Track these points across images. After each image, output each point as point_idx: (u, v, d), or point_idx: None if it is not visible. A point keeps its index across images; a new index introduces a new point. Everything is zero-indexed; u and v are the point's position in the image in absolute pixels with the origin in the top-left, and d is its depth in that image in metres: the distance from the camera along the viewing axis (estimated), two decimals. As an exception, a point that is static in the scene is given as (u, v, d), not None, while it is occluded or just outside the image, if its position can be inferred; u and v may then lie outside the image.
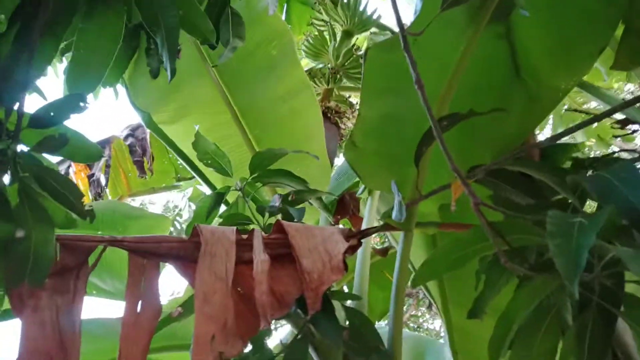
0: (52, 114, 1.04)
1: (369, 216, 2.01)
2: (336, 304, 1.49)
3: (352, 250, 1.40)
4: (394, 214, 1.26)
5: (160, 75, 2.07)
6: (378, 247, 2.61)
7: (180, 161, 2.30)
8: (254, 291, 1.05)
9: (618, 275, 0.76)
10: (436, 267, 0.85)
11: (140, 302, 1.12)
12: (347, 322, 1.44)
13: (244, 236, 1.24)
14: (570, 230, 0.56)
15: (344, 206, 2.88)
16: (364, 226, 2.01)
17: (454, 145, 1.80)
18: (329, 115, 2.75)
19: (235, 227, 1.20)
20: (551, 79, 1.65)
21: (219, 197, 1.60)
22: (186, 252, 1.14)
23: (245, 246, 1.19)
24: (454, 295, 2.00)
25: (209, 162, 1.60)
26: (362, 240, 1.94)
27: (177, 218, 4.88)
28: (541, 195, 1.15)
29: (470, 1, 0.84)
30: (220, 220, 1.60)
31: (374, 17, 3.01)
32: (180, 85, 2.35)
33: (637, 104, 2.03)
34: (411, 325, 5.88)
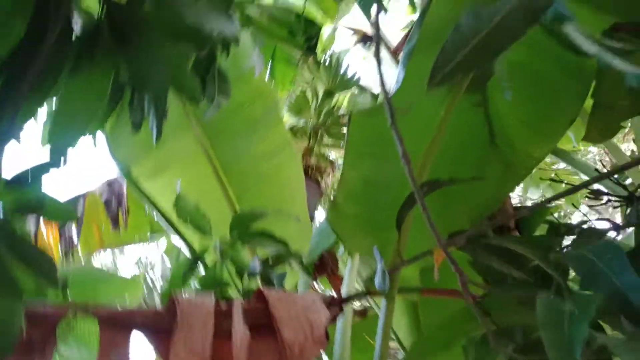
0: (30, 175, 1.02)
1: (349, 277, 1.98)
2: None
3: (333, 318, 1.36)
4: (376, 282, 1.24)
5: (144, 128, 2.06)
6: (356, 308, 2.56)
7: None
8: (232, 367, 1.00)
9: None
10: (426, 349, 0.83)
11: (108, 377, 1.04)
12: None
13: (223, 305, 1.19)
14: (561, 321, 0.56)
15: (322, 264, 2.84)
16: (343, 287, 1.98)
17: (431, 208, 1.82)
18: (309, 172, 2.77)
19: (213, 295, 1.16)
20: (525, 147, 1.72)
21: (195, 260, 1.55)
22: (162, 324, 1.08)
23: (224, 316, 1.14)
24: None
25: (188, 220, 1.57)
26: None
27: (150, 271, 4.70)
28: (519, 262, 1.16)
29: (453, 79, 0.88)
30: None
31: (355, 78, 3.12)
32: (162, 138, 2.33)
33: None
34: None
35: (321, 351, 2.41)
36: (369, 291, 1.43)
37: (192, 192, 2.24)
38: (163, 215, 2.16)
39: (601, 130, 1.42)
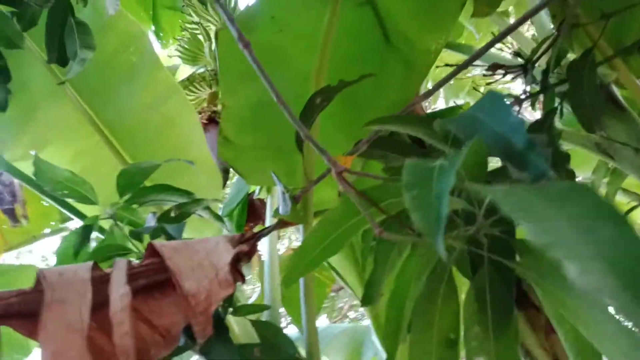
0: None
1: (271, 217, 1.88)
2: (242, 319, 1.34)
3: (247, 257, 1.25)
4: (280, 208, 1.13)
5: (11, 107, 1.79)
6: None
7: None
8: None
9: (506, 221, 0.67)
10: (310, 257, 0.73)
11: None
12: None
13: (109, 270, 1.04)
14: (429, 177, 0.45)
15: (255, 212, 2.71)
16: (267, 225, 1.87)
17: (340, 120, 1.71)
18: (217, 119, 2.57)
19: (91, 263, 1.00)
20: (420, 41, 1.61)
21: (85, 231, 1.36)
22: (30, 305, 0.92)
23: (108, 282, 0.99)
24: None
25: (65, 192, 1.36)
26: (266, 242, 1.79)
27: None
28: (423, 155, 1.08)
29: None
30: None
31: (247, 10, 2.87)
32: (35, 112, 2.05)
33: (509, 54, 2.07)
34: (352, 315, 5.85)
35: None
36: (282, 222, 1.31)
37: (82, 165, 2.01)
38: (50, 195, 1.92)
39: (489, 2, 1.34)
